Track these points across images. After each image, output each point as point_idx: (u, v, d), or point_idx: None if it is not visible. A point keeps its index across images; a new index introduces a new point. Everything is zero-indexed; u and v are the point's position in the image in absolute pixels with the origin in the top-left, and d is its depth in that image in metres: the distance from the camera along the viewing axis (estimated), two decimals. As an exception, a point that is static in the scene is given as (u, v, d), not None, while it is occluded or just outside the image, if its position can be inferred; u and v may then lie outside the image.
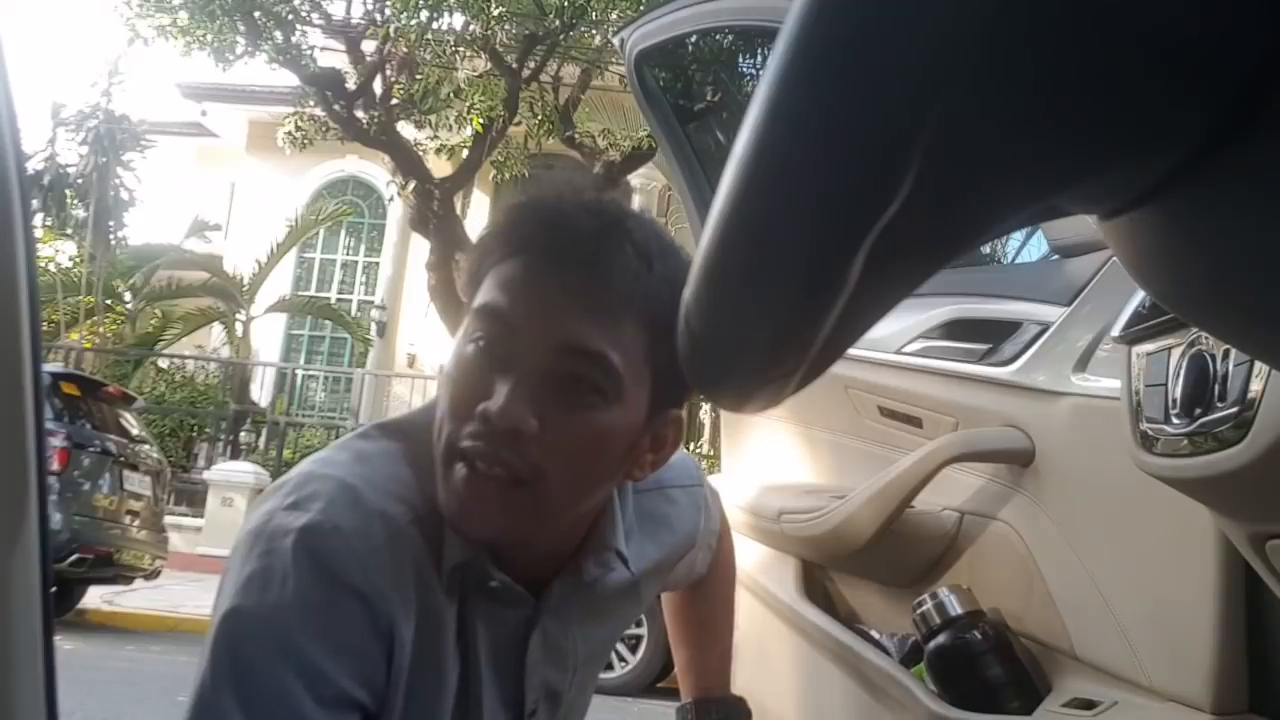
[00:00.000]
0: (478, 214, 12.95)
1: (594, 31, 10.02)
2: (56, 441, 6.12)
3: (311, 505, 0.80)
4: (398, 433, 0.89)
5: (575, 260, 0.80)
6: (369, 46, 10.81)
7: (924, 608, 1.31)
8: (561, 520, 0.86)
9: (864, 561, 1.50)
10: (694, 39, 2.09)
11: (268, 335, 14.31)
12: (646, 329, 0.81)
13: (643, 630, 6.06)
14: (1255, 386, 0.71)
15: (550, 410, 0.79)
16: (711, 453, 11.71)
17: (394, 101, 10.59)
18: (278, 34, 10.19)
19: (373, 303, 14.92)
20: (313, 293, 15.00)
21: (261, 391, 13.32)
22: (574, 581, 0.91)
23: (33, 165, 13.08)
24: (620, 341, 0.80)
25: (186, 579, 8.14)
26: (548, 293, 0.80)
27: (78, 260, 14.07)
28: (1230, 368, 0.74)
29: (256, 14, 9.99)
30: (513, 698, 0.91)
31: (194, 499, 10.41)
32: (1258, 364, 0.71)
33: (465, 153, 10.75)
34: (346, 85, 10.67)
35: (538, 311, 0.80)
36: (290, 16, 10.34)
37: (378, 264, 15.35)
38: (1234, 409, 0.72)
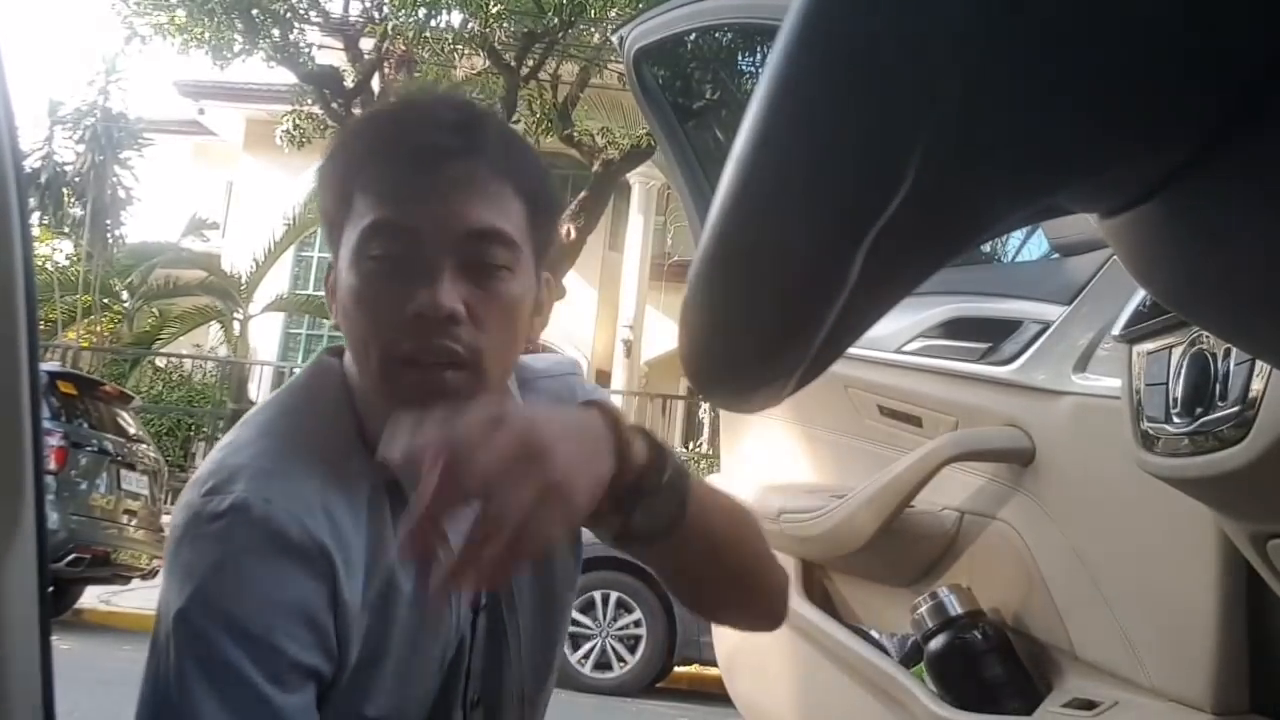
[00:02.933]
0: (476, 213, 12.92)
1: (593, 29, 10.02)
2: (53, 441, 6.11)
3: (232, 486, 0.81)
4: (299, 388, 0.92)
5: (453, 150, 0.84)
6: (367, 44, 10.81)
7: (924, 608, 1.31)
8: (496, 391, 0.90)
9: (864, 561, 1.50)
10: (693, 37, 2.09)
11: (265, 334, 14.30)
12: (523, 200, 0.87)
13: (642, 630, 6.06)
14: (1256, 386, 0.71)
15: (471, 295, 0.84)
16: (711, 452, 11.72)
17: (392, 100, 10.58)
18: (275, 32, 10.18)
19: (370, 301, 14.87)
20: (311, 291, 14.97)
21: (259, 390, 13.30)
22: None
23: (30, 163, 13.07)
24: (509, 215, 0.86)
25: (185, 578, 8.12)
26: (440, 190, 0.84)
27: (75, 259, 14.06)
28: (1231, 367, 0.74)
29: (254, 12, 9.98)
30: (471, 594, 0.93)
31: (192, 498, 10.41)
32: (1259, 363, 0.71)
33: (463, 151, 10.72)
34: (344, 83, 10.66)
35: (436, 210, 0.84)
36: (288, 14, 10.33)
37: (376, 262, 15.30)
38: (1235, 408, 0.72)
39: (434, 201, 0.84)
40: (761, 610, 0.99)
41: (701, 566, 0.88)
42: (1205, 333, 0.76)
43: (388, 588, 0.86)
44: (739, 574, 0.93)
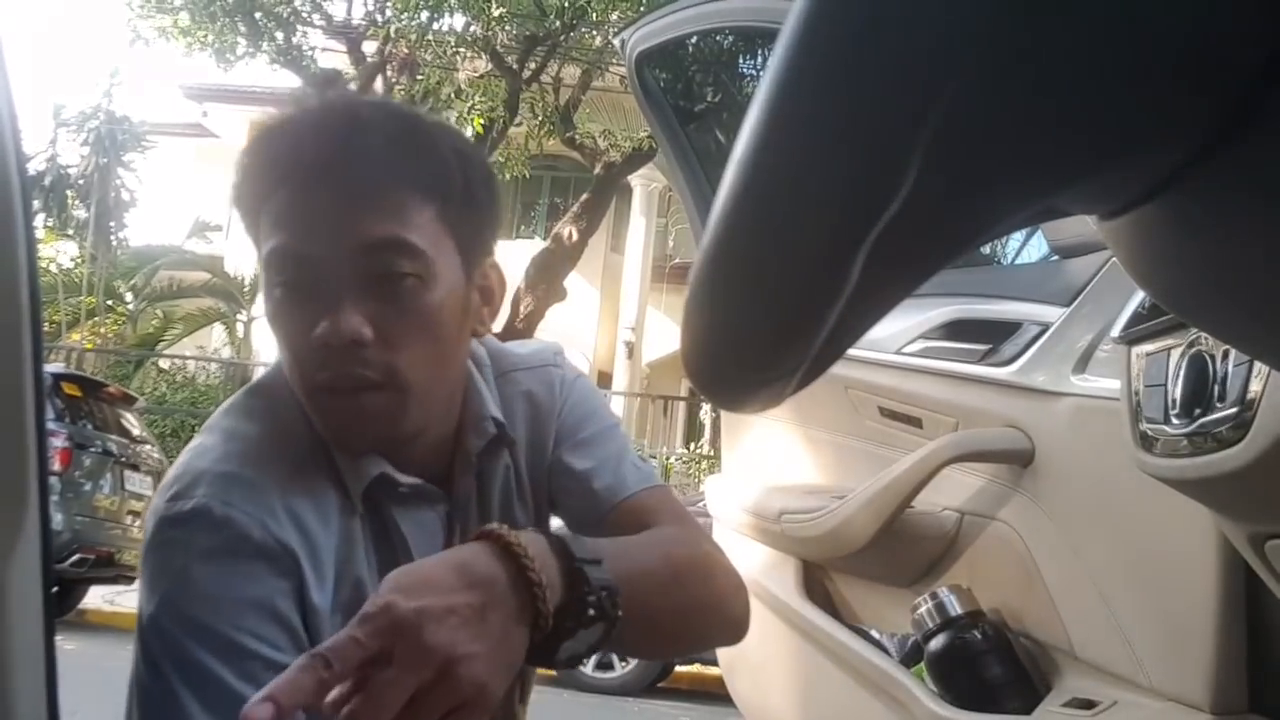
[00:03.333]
0: (478, 214, 12.92)
1: (595, 32, 10.02)
2: (58, 442, 6.12)
3: (194, 491, 0.80)
4: (256, 394, 0.91)
5: (332, 166, 0.81)
6: (370, 47, 10.81)
7: (924, 608, 1.31)
8: (434, 400, 0.87)
9: (864, 561, 1.50)
10: (694, 40, 2.09)
11: (269, 336, 14.26)
12: (429, 198, 0.83)
13: (643, 631, 6.05)
14: (1255, 387, 0.71)
15: (378, 312, 0.81)
16: (711, 453, 11.71)
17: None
18: (279, 35, 10.19)
19: (373, 303, 14.87)
20: (313, 293, 14.95)
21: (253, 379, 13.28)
22: (467, 462, 0.92)
23: (34, 166, 13.08)
24: (409, 220, 0.82)
25: (187, 579, 8.12)
26: (321, 207, 0.81)
27: (79, 261, 14.07)
28: (1230, 368, 0.74)
29: (257, 15, 9.99)
30: None
31: (195, 499, 10.38)
32: (1257, 364, 0.71)
33: (466, 153, 10.71)
34: (348, 86, 10.65)
35: (320, 229, 0.81)
36: (291, 17, 10.34)
37: (378, 264, 15.29)
38: (1233, 409, 0.72)
39: (323, 221, 0.81)
40: (719, 642, 0.94)
41: (641, 641, 0.83)
42: (1204, 334, 0.76)
43: (358, 594, 0.84)
44: (684, 631, 0.89)
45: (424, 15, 9.68)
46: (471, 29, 9.88)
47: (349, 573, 0.84)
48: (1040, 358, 1.30)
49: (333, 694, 0.62)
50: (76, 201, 13.63)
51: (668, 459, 11.84)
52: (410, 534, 0.88)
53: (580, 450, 0.97)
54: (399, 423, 0.85)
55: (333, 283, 0.81)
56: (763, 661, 1.67)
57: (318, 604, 0.81)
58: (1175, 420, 0.79)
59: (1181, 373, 0.78)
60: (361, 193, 0.81)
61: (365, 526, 0.87)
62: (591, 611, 0.72)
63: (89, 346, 13.08)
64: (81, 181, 13.47)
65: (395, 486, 0.87)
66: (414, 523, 0.89)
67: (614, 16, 9.05)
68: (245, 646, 0.77)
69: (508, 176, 11.13)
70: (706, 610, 0.89)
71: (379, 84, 10.67)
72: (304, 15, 10.58)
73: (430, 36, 9.86)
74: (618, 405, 13.14)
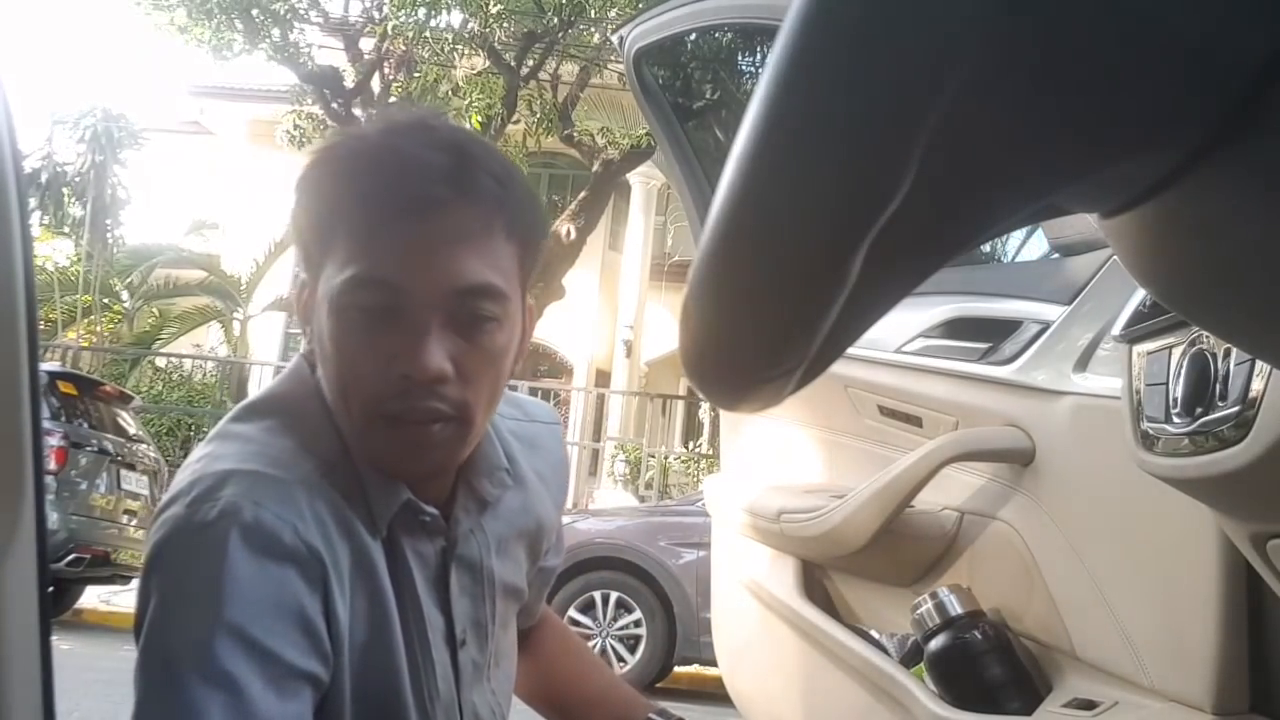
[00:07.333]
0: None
1: (593, 29, 10.03)
2: (54, 440, 6.12)
3: (219, 493, 0.78)
4: (269, 406, 0.90)
5: (444, 204, 0.81)
6: (367, 44, 10.82)
7: (924, 608, 1.31)
8: (480, 435, 0.89)
9: (864, 561, 1.50)
10: (693, 37, 2.09)
11: (265, 334, 14.30)
12: (514, 242, 0.85)
13: (642, 630, 6.06)
14: (1256, 386, 0.71)
15: (458, 349, 0.82)
16: (710, 452, 11.71)
17: (392, 99, 10.59)
18: (275, 32, 10.19)
19: (371, 301, 14.87)
20: (311, 291, 14.95)
21: (259, 390, 13.29)
22: (476, 504, 0.94)
23: (30, 163, 13.06)
24: (500, 265, 0.84)
25: (185, 578, 8.12)
26: (429, 244, 0.81)
27: (75, 259, 14.06)
28: (1231, 367, 0.74)
29: (254, 12, 9.99)
30: (444, 629, 0.92)
31: (192, 498, 10.37)
32: (1259, 363, 0.71)
33: (464, 151, 10.71)
34: (344, 83, 10.67)
35: (425, 266, 0.81)
36: (288, 14, 10.34)
37: (376, 262, 15.29)
38: (1235, 408, 0.72)
39: (422, 257, 0.80)
40: None
41: None
42: (1205, 333, 0.76)
43: (378, 610, 0.85)
44: None
45: (421, 12, 9.69)
46: (469, 26, 9.89)
47: (365, 588, 0.84)
48: (1041, 356, 1.30)
49: None
50: (73, 199, 13.61)
51: (666, 458, 11.85)
52: (413, 562, 0.89)
53: (558, 548, 1.12)
54: (456, 455, 0.87)
55: (421, 317, 0.81)
56: (762, 661, 1.67)
57: (339, 612, 0.81)
58: (1176, 419, 0.79)
59: (1183, 371, 0.78)
60: (464, 232, 0.81)
61: (380, 544, 0.87)
62: None
63: (85, 345, 13.07)
64: (78, 179, 13.45)
65: (416, 514, 0.88)
66: (415, 552, 0.90)
67: (612, 13, 9.05)
68: (275, 651, 0.75)
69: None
70: None
71: (376, 81, 10.68)
72: (301, 12, 10.58)
73: (428, 33, 9.86)
74: (616, 404, 13.15)
